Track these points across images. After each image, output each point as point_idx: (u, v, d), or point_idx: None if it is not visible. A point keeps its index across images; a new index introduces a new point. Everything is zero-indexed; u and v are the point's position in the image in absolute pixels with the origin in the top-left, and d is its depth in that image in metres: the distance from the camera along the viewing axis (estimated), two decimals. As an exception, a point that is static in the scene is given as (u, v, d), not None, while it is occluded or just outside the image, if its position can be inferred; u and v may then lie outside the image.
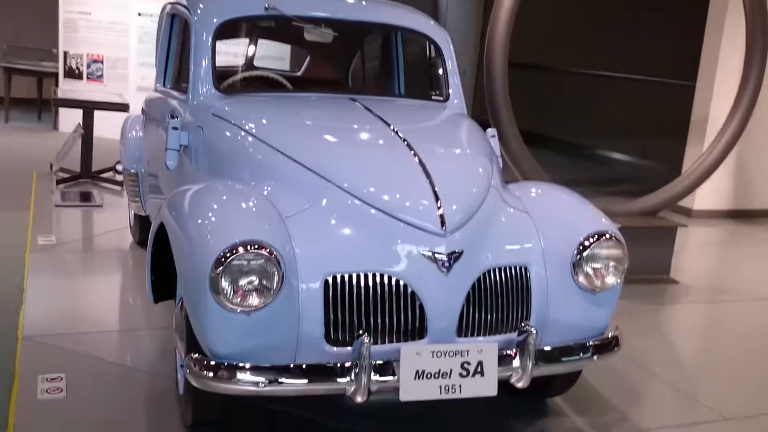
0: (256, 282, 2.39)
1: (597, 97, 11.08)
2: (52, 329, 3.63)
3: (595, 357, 2.80)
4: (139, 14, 9.19)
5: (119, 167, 5.56)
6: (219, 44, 3.46)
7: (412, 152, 2.78)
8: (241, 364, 2.41)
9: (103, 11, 9.32)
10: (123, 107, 6.54)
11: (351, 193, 2.64)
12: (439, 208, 2.59)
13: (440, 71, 3.78)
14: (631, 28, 10.45)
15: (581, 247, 2.75)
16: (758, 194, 7.56)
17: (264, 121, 3.05)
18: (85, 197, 6.26)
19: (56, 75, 9.72)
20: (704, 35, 7.29)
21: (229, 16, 3.48)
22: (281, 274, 2.40)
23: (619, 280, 2.81)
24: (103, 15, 9.34)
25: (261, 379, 2.42)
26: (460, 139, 3.11)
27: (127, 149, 4.83)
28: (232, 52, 4.34)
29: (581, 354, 2.78)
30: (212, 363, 2.43)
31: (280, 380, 2.43)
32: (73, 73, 9.47)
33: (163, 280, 3.10)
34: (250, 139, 2.97)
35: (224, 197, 2.68)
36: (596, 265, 2.78)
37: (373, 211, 2.60)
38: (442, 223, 2.57)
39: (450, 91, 3.74)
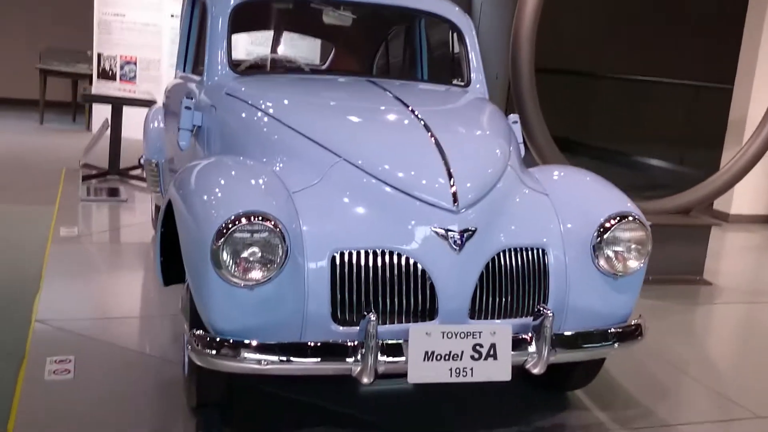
0: (259, 255, 2.31)
1: (633, 102, 10.87)
2: (66, 314, 3.60)
3: (616, 345, 2.66)
4: (172, 16, 9.26)
5: (144, 165, 5.56)
6: (240, 36, 3.42)
7: (429, 132, 2.68)
8: (245, 341, 2.33)
9: (138, 13, 9.42)
10: (150, 104, 6.56)
11: (361, 167, 2.55)
12: (452, 186, 2.49)
13: (463, 57, 3.69)
14: (667, 30, 10.25)
15: (601, 229, 2.63)
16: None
17: (277, 99, 2.99)
18: (111, 192, 6.28)
19: (90, 77, 9.84)
20: (742, 36, 7.10)
21: (245, -1, 3.43)
22: (285, 248, 2.32)
23: (642, 264, 2.67)
24: (137, 16, 9.43)
25: (265, 356, 2.33)
26: (479, 121, 3.01)
27: (149, 140, 4.81)
28: (253, 40, 4.30)
29: (602, 341, 2.65)
30: (215, 340, 2.35)
31: (285, 358, 2.34)
32: (106, 75, 9.57)
33: (175, 263, 3.05)
34: (262, 117, 2.91)
35: (232, 172, 2.61)
36: (617, 248, 2.65)
37: (383, 186, 2.51)
38: (455, 200, 2.47)
39: (472, 76, 3.64)
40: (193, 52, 3.96)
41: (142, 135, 4.99)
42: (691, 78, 9.40)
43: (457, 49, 3.74)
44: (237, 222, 2.28)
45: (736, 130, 6.98)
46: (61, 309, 3.66)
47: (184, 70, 4.09)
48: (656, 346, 3.74)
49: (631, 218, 2.66)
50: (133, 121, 6.94)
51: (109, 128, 6.55)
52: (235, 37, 3.47)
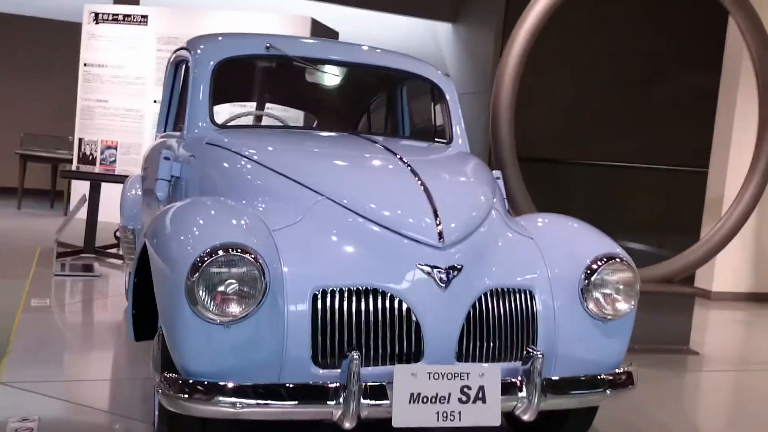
0: (237, 288, 2.22)
1: (611, 188, 11.02)
2: (32, 377, 3.42)
3: (608, 392, 2.57)
4: (155, 101, 9.36)
5: (120, 233, 5.46)
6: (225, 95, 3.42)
7: (415, 176, 2.65)
8: (219, 383, 2.21)
9: (120, 99, 9.52)
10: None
11: (345, 206, 2.50)
12: (438, 224, 2.44)
13: (445, 117, 3.72)
14: (643, 118, 10.52)
15: (588, 271, 2.58)
16: (779, 278, 7.32)
17: (260, 146, 2.96)
18: (86, 268, 6.14)
19: (71, 161, 9.83)
20: (715, 121, 7.27)
21: (228, 54, 3.46)
22: (265, 283, 2.23)
23: (631, 307, 2.61)
24: (120, 102, 9.53)
25: (240, 399, 2.21)
26: (464, 169, 2.99)
27: (125, 207, 4.75)
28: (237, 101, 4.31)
29: (593, 388, 2.55)
30: (188, 382, 2.23)
31: (262, 401, 2.22)
32: (86, 159, 9.56)
33: (147, 318, 2.94)
34: (243, 161, 2.87)
35: (210, 211, 2.55)
36: (606, 291, 2.59)
37: (368, 224, 2.46)
38: (440, 237, 2.42)
39: (455, 133, 3.66)
40: (174, 112, 3.96)
41: (120, 204, 4.93)
42: (667, 162, 9.58)
43: (438, 110, 3.76)
44: (213, 254, 2.20)
45: (714, 210, 7.05)
46: (28, 372, 3.49)
47: (164, 131, 4.08)
48: (646, 409, 3.62)
49: (618, 260, 2.61)
50: (109, 205, 6.87)
51: (87, 203, 6.47)
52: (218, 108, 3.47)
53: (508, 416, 2.47)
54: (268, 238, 2.38)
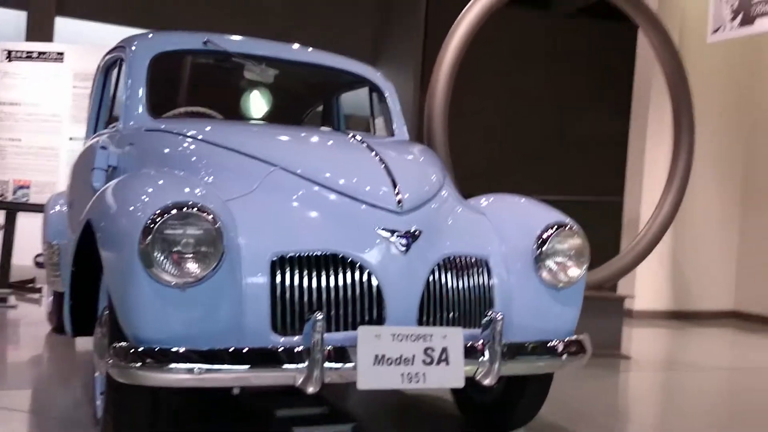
0: (195, 248, 2.14)
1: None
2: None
3: (564, 356, 2.59)
4: (71, 139, 9.09)
5: (40, 259, 5.21)
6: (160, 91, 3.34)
7: (371, 150, 2.64)
8: (173, 349, 2.11)
9: (35, 137, 9.18)
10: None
11: (300, 175, 2.47)
12: (397, 192, 2.43)
13: (386, 115, 3.75)
14: (561, 152, 10.91)
15: (540, 241, 2.62)
16: (695, 296, 7.62)
17: (203, 127, 2.90)
18: None
19: (-21, 202, 9.36)
20: (627, 155, 7.60)
21: (164, 48, 3.40)
22: (222, 245, 2.16)
23: (582, 273, 2.65)
24: (34, 140, 9.19)
25: (197, 365, 2.10)
26: (414, 151, 3.00)
27: (49, 224, 4.54)
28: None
29: (551, 352, 2.56)
30: (140, 349, 2.11)
31: (220, 366, 2.12)
32: (-4, 200, 9.13)
33: (84, 313, 2.80)
34: (187, 141, 2.81)
35: (158, 180, 2.46)
36: (558, 259, 2.64)
37: (323, 191, 2.43)
38: (399, 203, 2.41)
39: (396, 130, 3.69)
40: (106, 115, 3.84)
41: (42, 223, 4.71)
42: (584, 193, 9.92)
43: (379, 108, 3.79)
44: (165, 214, 2.12)
45: (631, 230, 7.31)
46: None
47: (94, 132, 3.94)
48: (588, 400, 3.66)
49: (567, 227, 2.66)
50: (23, 245, 6.54)
51: (3, 232, 6.15)
52: None
53: (465, 403, 2.44)
54: (223, 206, 2.31)
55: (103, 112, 3.92)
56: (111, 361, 2.14)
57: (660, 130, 7.23)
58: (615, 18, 11.71)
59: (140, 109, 3.20)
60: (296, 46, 3.69)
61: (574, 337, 2.66)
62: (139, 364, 2.10)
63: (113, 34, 9.50)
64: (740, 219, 7.78)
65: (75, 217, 3.84)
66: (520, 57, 12.01)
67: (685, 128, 5.86)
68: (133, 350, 2.11)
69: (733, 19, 6.85)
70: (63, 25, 10.98)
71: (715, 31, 7.00)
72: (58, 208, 4.55)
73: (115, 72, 3.75)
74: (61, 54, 9.26)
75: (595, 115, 11.90)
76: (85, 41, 9.58)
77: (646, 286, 7.31)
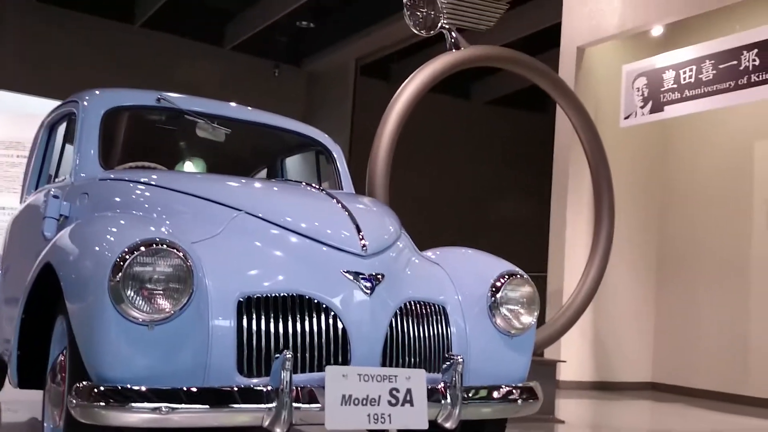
0: (165, 283, 2.14)
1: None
2: None
3: (520, 401, 2.66)
4: (3, 208, 8.76)
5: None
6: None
7: (332, 198, 2.72)
8: (137, 388, 2.08)
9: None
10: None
11: (264, 218, 2.51)
12: (361, 238, 2.50)
13: (336, 177, 3.84)
14: (486, 230, 11.23)
15: (494, 289, 2.72)
16: (615, 368, 7.86)
17: (160, 175, 2.93)
18: None
19: None
20: (549, 231, 7.93)
21: (117, 103, 3.43)
22: (192, 281, 2.17)
23: (533, 321, 2.76)
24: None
25: (162, 404, 2.07)
26: (371, 203, 3.10)
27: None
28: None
29: (508, 396, 2.63)
30: (103, 388, 2.07)
31: (187, 406, 2.10)
32: None
33: (32, 364, 2.71)
34: (145, 188, 2.82)
35: (120, 220, 2.46)
36: (511, 306, 2.74)
37: (289, 235, 2.48)
38: (363, 247, 2.48)
39: (344, 188, 3.78)
40: (51, 169, 3.78)
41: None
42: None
43: (327, 169, 3.89)
44: (134, 252, 2.13)
45: (555, 303, 7.55)
46: None
47: (37, 188, 3.86)
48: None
49: (518, 276, 2.78)
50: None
51: None
52: None
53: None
54: (189, 246, 2.32)
55: (46, 168, 3.86)
56: (74, 401, 2.08)
57: (578, 209, 7.61)
58: (528, 108, 12.50)
59: (93, 162, 3.20)
60: (252, 109, 3.78)
61: (528, 384, 2.74)
62: (102, 404, 2.05)
63: (31, 103, 9.37)
64: (655, 294, 8.15)
65: (15, 273, 3.72)
66: (446, 141, 12.49)
67: (606, 206, 6.17)
68: (96, 390, 2.07)
69: (644, 106, 7.39)
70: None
71: (627, 117, 7.51)
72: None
73: (61, 128, 3.73)
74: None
75: (515, 197, 12.39)
76: (9, 111, 9.38)
77: (570, 358, 7.50)
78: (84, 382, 2.10)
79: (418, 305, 2.57)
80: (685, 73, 6.89)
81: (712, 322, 7.44)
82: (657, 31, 7.50)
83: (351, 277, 2.41)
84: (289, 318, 2.31)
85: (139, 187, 2.85)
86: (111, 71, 9.82)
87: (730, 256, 7.34)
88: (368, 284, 2.42)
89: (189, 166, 3.93)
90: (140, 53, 10.61)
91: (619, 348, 7.89)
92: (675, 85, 7.00)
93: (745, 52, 6.22)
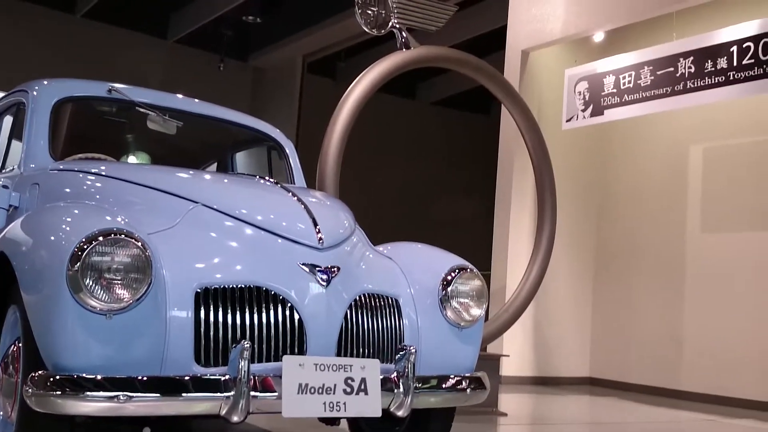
0: (124, 273, 2.15)
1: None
2: None
3: (468, 391, 2.75)
4: None
5: None
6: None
7: (288, 192, 2.76)
8: (94, 376, 2.08)
9: None
10: None
11: (222, 211, 2.54)
12: (318, 231, 2.54)
13: (287, 172, 3.87)
14: (428, 228, 11.36)
15: (445, 282, 2.80)
16: (555, 363, 8.07)
17: (112, 165, 2.92)
18: None
19: None
20: (493, 231, 8.09)
21: (67, 94, 3.39)
22: (151, 271, 2.18)
23: (482, 313, 2.85)
24: None
25: (120, 392, 2.08)
26: (327, 197, 3.14)
27: None
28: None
29: (459, 386, 2.71)
30: (59, 377, 2.07)
31: (145, 395, 2.11)
32: None
33: None
34: (97, 178, 2.80)
35: (77, 209, 2.45)
36: (461, 299, 2.82)
37: (247, 228, 2.51)
38: (320, 240, 2.52)
39: (296, 184, 3.81)
40: (0, 159, 3.71)
41: None
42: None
43: (279, 164, 3.92)
44: (94, 241, 2.14)
45: (498, 300, 7.71)
46: None
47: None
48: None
49: (468, 270, 2.87)
50: None
51: None
52: None
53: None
54: (147, 237, 2.33)
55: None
56: (30, 390, 2.07)
57: (522, 209, 7.79)
58: (473, 109, 12.70)
59: (42, 152, 3.17)
60: (205, 102, 3.78)
61: (476, 374, 2.83)
62: (58, 392, 2.05)
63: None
64: (593, 293, 8.39)
65: None
66: (391, 140, 12.59)
67: (548, 206, 6.35)
68: (52, 379, 2.07)
69: (585, 109, 7.61)
70: None
71: (569, 119, 7.72)
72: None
73: (8, 118, 3.67)
74: None
75: (460, 196, 12.58)
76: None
77: (512, 353, 7.67)
78: (40, 372, 2.09)
79: (372, 298, 2.62)
80: (624, 78, 7.13)
81: (647, 319, 7.71)
82: (599, 36, 7.73)
83: (307, 270, 2.45)
84: (247, 309, 2.34)
85: (90, 177, 2.84)
86: (51, 62, 9.60)
87: (665, 256, 7.62)
88: (324, 277, 2.46)
89: (133, 159, 3.90)
90: (81, 44, 10.40)
91: (558, 344, 8.11)
92: (615, 90, 7.23)
93: (681, 60, 6.47)
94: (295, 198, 2.68)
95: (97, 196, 2.72)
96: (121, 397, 2.08)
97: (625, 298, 7.98)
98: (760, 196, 6.87)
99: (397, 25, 5.24)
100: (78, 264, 2.10)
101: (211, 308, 2.30)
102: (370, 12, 5.39)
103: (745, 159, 7.06)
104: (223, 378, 2.21)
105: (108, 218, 2.31)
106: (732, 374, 6.81)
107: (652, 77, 6.77)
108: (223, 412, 2.20)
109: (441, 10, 5.51)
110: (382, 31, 5.35)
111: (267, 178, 3.01)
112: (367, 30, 5.44)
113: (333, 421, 2.77)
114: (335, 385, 2.34)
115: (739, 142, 7.20)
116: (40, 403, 2.06)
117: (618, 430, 5.26)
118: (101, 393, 2.07)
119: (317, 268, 2.46)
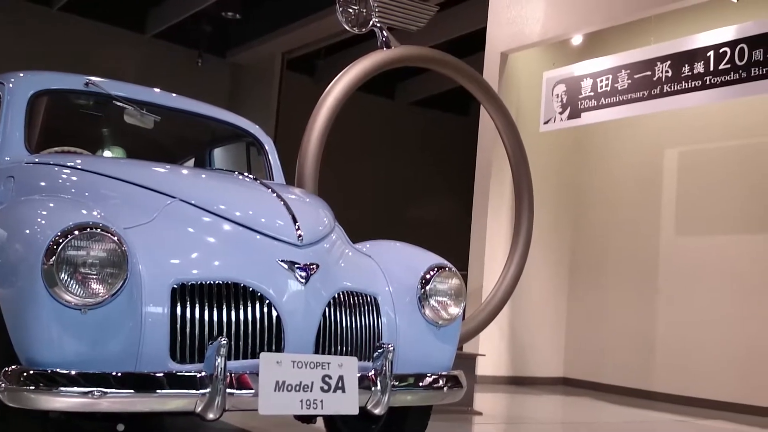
0: (99, 267, 2.12)
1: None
2: None
3: (445, 389, 2.76)
4: None
5: None
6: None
7: (268, 188, 2.75)
8: (67, 371, 2.06)
9: None
10: None
11: (200, 206, 2.52)
12: (297, 228, 2.53)
13: (266, 167, 3.86)
14: (405, 228, 11.37)
15: (424, 281, 2.80)
16: (530, 363, 8.12)
17: (88, 159, 2.89)
18: None
19: None
20: (471, 231, 8.11)
21: (44, 86, 3.35)
22: (127, 266, 2.16)
23: (459, 312, 2.86)
24: None
25: (92, 389, 2.06)
26: (306, 194, 3.13)
27: None
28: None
29: (436, 384, 2.72)
30: (33, 372, 2.05)
31: (114, 391, 2.09)
32: None
33: None
34: (72, 171, 2.78)
35: (52, 203, 2.42)
36: (440, 298, 2.82)
37: (225, 224, 2.49)
38: (299, 237, 2.51)
39: (275, 181, 3.80)
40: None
41: None
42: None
43: (258, 159, 3.90)
44: (69, 235, 2.11)
45: (475, 300, 7.74)
46: None
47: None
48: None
49: (447, 269, 2.87)
50: None
51: None
52: None
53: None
54: (123, 231, 2.31)
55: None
56: (2, 385, 2.04)
57: (499, 209, 7.83)
58: (452, 109, 12.73)
59: (18, 145, 3.13)
60: (184, 97, 3.75)
61: (453, 372, 2.84)
62: (32, 388, 2.03)
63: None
64: (568, 294, 8.45)
65: None
66: (369, 139, 12.58)
67: (526, 207, 6.38)
68: (26, 374, 2.05)
69: (562, 112, 7.66)
70: None
71: (547, 122, 7.77)
72: None
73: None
74: None
75: (438, 196, 12.61)
76: None
77: (488, 353, 7.70)
78: (13, 366, 2.06)
79: (350, 295, 2.62)
80: (602, 81, 7.19)
81: (620, 320, 7.78)
82: (577, 40, 7.79)
83: (286, 266, 2.44)
84: (224, 305, 2.32)
85: (66, 171, 2.81)
86: (28, 55, 9.48)
87: (639, 258, 7.69)
88: (303, 274, 2.46)
89: (109, 153, 3.86)
90: (59, 38, 10.27)
91: (533, 344, 8.15)
92: (592, 93, 7.29)
93: (659, 64, 6.54)
94: (275, 194, 2.67)
95: (73, 190, 2.69)
96: (96, 393, 2.06)
97: (599, 299, 8.05)
98: (734, 200, 6.97)
99: (378, 24, 5.24)
100: (53, 258, 2.08)
101: (188, 304, 2.28)
102: (351, 10, 5.39)
103: (720, 163, 7.15)
104: (198, 375, 2.20)
105: (84, 212, 2.29)
106: (703, 376, 6.90)
107: (630, 81, 6.84)
108: (198, 409, 2.19)
109: (422, 10, 5.52)
110: (363, 29, 5.35)
111: (246, 174, 3.00)
112: (347, 28, 5.43)
113: (309, 419, 2.76)
114: (312, 383, 2.34)
115: (714, 146, 7.29)
116: (13, 398, 2.04)
117: (591, 429, 5.32)
118: (75, 389, 2.05)
119: (296, 265, 2.45)
